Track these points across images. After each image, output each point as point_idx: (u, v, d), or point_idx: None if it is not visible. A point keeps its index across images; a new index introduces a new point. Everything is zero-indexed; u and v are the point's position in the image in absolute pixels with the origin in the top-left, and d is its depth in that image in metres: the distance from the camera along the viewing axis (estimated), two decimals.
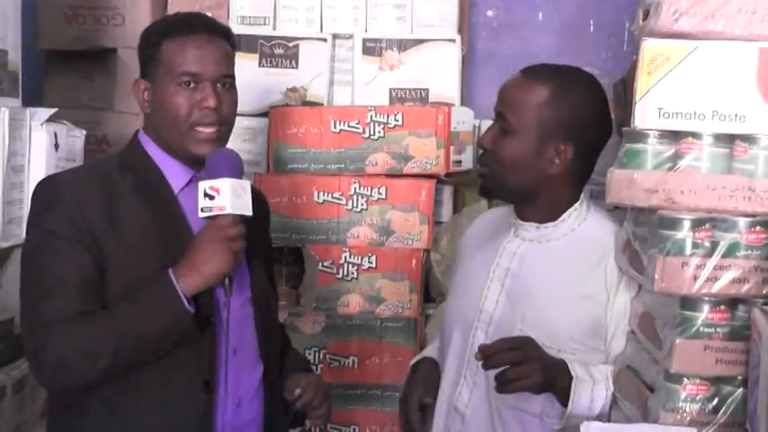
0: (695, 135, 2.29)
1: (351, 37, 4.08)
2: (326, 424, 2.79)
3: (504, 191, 2.70)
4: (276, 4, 4.08)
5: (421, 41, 4.03)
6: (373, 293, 3.79)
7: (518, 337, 2.54)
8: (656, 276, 2.21)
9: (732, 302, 2.20)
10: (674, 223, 2.22)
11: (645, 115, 2.33)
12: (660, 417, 2.23)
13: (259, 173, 3.89)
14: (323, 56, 4.05)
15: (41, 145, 3.11)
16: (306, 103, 4.02)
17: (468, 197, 4.08)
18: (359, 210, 3.79)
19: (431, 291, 3.95)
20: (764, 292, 2.18)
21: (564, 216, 2.66)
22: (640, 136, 2.34)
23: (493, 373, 2.48)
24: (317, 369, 3.69)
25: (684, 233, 2.21)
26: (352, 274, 3.78)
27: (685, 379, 2.21)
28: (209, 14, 3.75)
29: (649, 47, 2.32)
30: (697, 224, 2.21)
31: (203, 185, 2.40)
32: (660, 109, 2.31)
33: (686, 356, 2.20)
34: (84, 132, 3.43)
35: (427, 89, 4.03)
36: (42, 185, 2.56)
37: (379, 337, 3.74)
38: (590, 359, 2.58)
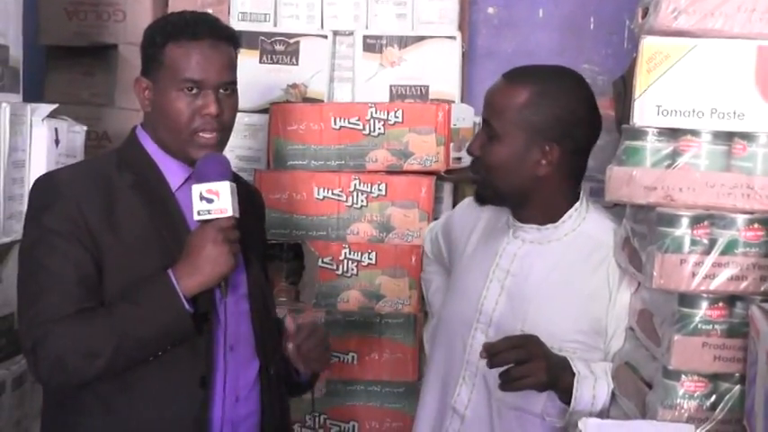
0: (694, 132, 2.29)
1: (351, 34, 4.08)
2: (324, 367, 2.81)
3: (498, 196, 2.71)
4: (277, 0, 4.08)
5: (421, 38, 4.03)
6: (373, 290, 3.79)
7: (522, 335, 2.55)
8: (655, 273, 2.22)
9: (730, 299, 2.21)
10: (672, 220, 2.23)
11: (644, 113, 2.34)
12: (658, 413, 2.23)
13: (259, 169, 3.89)
14: (323, 52, 4.05)
15: (42, 140, 3.12)
16: (306, 100, 4.02)
17: (467, 194, 4.07)
18: (359, 206, 3.79)
19: None
20: (762, 289, 2.19)
21: (564, 217, 2.67)
22: (639, 133, 2.34)
23: (494, 373, 2.50)
24: None
25: (683, 230, 2.22)
26: (352, 270, 3.78)
27: (683, 376, 2.22)
28: (211, 11, 3.80)
29: (648, 45, 2.33)
30: (695, 221, 2.21)
31: (198, 188, 2.40)
32: (659, 106, 2.32)
33: (684, 353, 2.20)
34: (84, 128, 3.43)
35: (427, 86, 4.03)
36: (40, 182, 2.57)
37: (379, 333, 3.74)
38: (590, 357, 2.59)
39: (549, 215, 2.68)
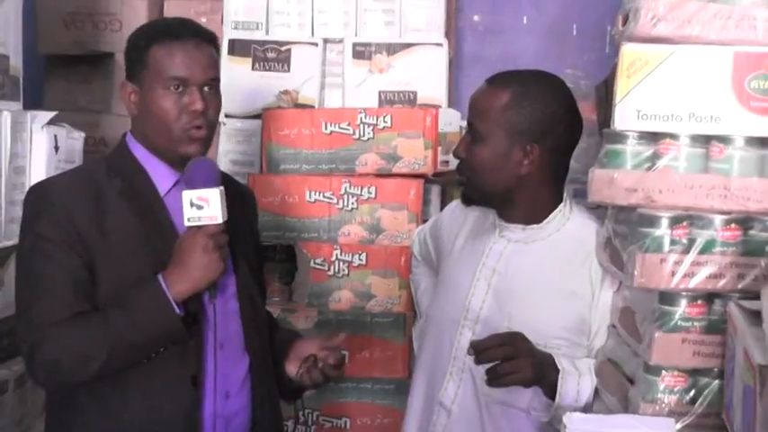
0: (673, 136, 2.33)
1: (341, 41, 4.07)
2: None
3: (484, 197, 2.74)
4: (269, 9, 4.07)
5: (409, 45, 4.03)
6: (364, 290, 3.81)
7: (509, 332, 2.57)
8: (636, 272, 2.25)
9: (709, 297, 2.24)
10: (652, 221, 2.25)
11: (624, 117, 2.37)
12: (640, 408, 2.27)
13: (253, 173, 3.89)
14: (314, 59, 4.05)
15: (42, 147, 3.14)
16: (298, 106, 4.01)
17: (455, 196, 4.05)
18: (349, 209, 3.81)
19: None
20: (740, 286, 2.23)
21: (550, 217, 2.69)
22: (620, 137, 2.37)
23: (481, 369, 2.52)
24: None
25: (663, 230, 2.25)
26: (343, 271, 3.80)
27: (664, 371, 2.25)
28: (204, 20, 3.82)
29: (628, 51, 2.36)
30: (675, 222, 2.25)
31: (189, 195, 2.41)
32: (639, 111, 2.35)
33: (665, 349, 2.23)
34: (82, 134, 3.45)
35: (415, 91, 4.03)
36: (31, 192, 2.60)
37: (370, 331, 3.76)
38: (574, 353, 2.62)
39: (534, 215, 2.70)
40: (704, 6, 2.31)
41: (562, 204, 2.72)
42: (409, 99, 4.04)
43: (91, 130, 3.96)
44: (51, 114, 3.20)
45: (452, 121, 3.96)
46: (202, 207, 2.41)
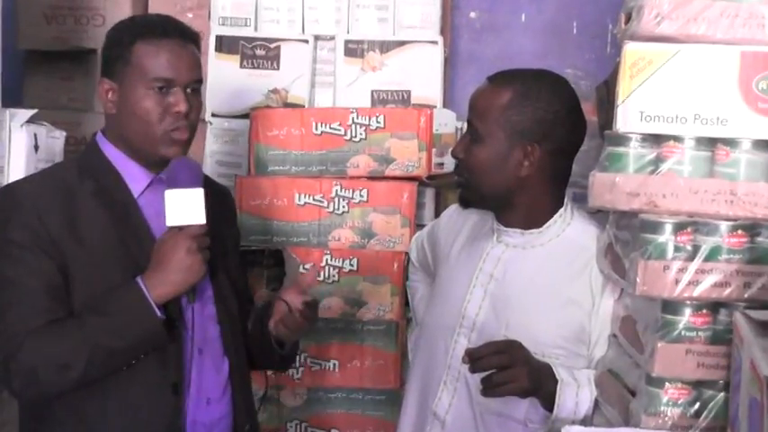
0: (677, 138, 2.30)
1: (332, 38, 4.06)
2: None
3: (482, 199, 2.72)
4: (258, 5, 4.06)
5: (403, 43, 4.02)
6: (354, 296, 3.77)
7: (505, 340, 2.55)
8: (638, 280, 2.23)
9: (714, 306, 2.22)
10: (655, 227, 2.23)
11: (627, 119, 2.34)
12: (642, 421, 2.24)
13: (240, 175, 3.88)
14: (304, 57, 4.03)
15: (21, 146, 3.08)
16: (287, 105, 4.00)
17: (450, 200, 4.06)
18: (340, 212, 3.77)
19: None
20: (746, 295, 2.20)
21: (549, 222, 2.68)
22: (622, 139, 2.35)
23: (476, 378, 2.50)
24: (297, 372, 3.69)
25: (666, 237, 2.22)
26: (334, 276, 3.75)
27: (667, 383, 2.23)
28: (191, 15, 3.80)
29: (631, 50, 2.33)
30: (679, 228, 2.22)
31: (172, 195, 2.41)
32: (642, 112, 2.33)
33: (668, 360, 2.21)
34: (63, 133, 3.40)
35: (409, 91, 4.02)
36: (0, 196, 2.57)
37: (361, 340, 3.73)
38: (573, 364, 2.60)
39: (533, 219, 2.68)
40: (710, 4, 2.29)
41: (563, 209, 2.71)
42: (403, 99, 4.04)
43: (72, 128, 3.91)
44: (31, 112, 3.15)
45: (447, 122, 3.93)
46: (185, 208, 2.40)
